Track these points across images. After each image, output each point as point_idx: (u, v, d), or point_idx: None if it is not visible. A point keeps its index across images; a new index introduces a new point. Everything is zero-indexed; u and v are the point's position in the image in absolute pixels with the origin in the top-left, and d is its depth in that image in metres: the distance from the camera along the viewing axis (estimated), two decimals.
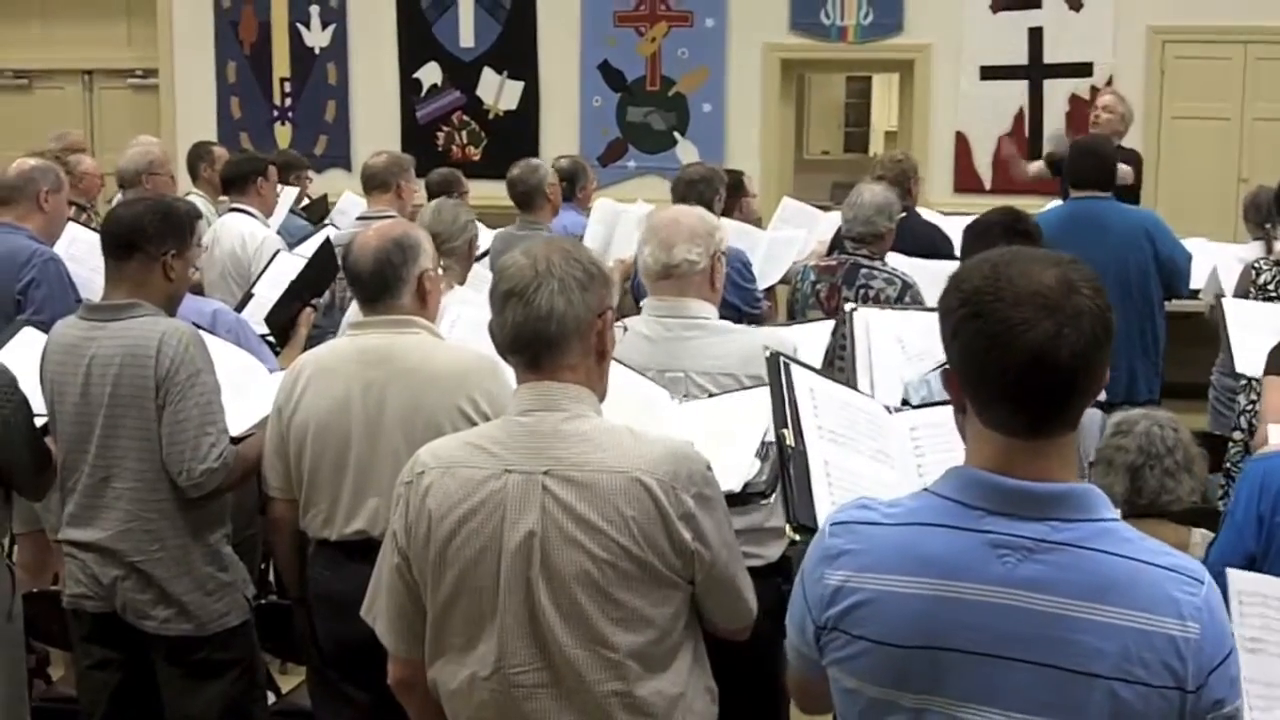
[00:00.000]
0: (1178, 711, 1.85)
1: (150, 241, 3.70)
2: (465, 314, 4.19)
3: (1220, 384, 6.27)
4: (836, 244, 6.05)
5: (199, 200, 6.87)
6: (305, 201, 7.98)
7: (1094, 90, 10.18)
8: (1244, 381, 5.14)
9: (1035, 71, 10.41)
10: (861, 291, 5.44)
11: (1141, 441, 3.52)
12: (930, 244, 6.30)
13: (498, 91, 11.26)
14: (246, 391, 3.98)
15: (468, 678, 2.57)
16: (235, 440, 3.75)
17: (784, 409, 2.73)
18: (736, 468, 2.98)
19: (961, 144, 10.60)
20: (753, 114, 10.89)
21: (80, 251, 5.41)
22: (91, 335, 3.66)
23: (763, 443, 3.05)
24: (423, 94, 11.36)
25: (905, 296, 5.39)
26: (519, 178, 6.68)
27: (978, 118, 10.55)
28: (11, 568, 3.94)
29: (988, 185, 10.50)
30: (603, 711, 2.53)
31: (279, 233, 6.56)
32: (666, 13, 10.93)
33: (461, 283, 4.77)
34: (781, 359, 2.84)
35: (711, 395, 3.43)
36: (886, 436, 2.88)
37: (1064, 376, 1.86)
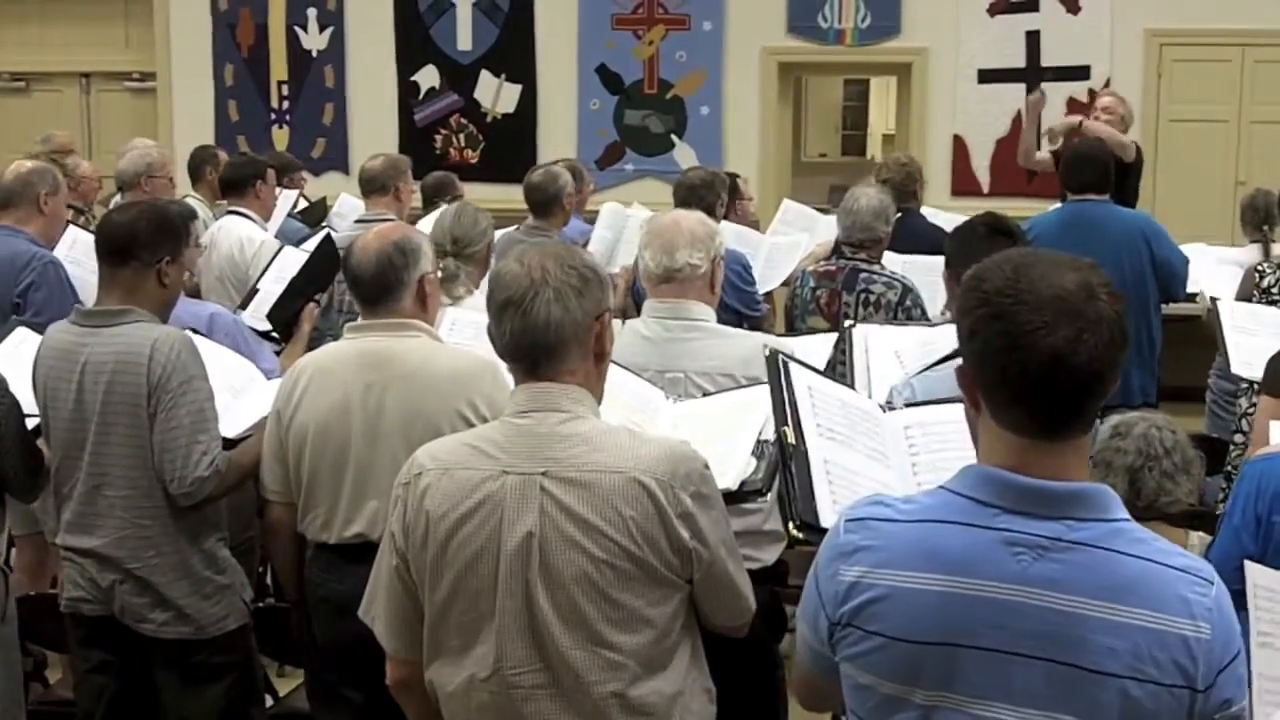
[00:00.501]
0: (1187, 710, 1.87)
1: (145, 248, 3.69)
2: (464, 316, 4.19)
3: (1217, 387, 6.28)
4: (834, 249, 6.05)
5: (197, 204, 6.86)
6: (302, 204, 7.98)
7: (1092, 93, 10.18)
8: (1245, 385, 5.15)
9: (1033, 74, 10.39)
10: (862, 296, 5.44)
11: (1140, 444, 3.52)
12: (934, 245, 6.30)
13: (495, 94, 11.26)
14: (243, 394, 3.98)
15: (466, 679, 2.57)
16: (232, 443, 3.75)
17: (784, 407, 2.73)
18: (732, 465, 2.99)
19: (959, 147, 10.61)
20: (750, 117, 10.89)
21: (80, 254, 5.40)
22: (84, 341, 3.65)
23: (758, 440, 3.06)
24: (420, 97, 11.36)
25: (906, 300, 5.40)
26: (539, 185, 6.58)
27: (975, 121, 10.56)
28: (5, 570, 3.94)
29: (985, 188, 10.51)
30: (601, 712, 2.53)
31: (277, 236, 6.55)
32: (664, 16, 10.93)
33: (479, 287, 4.78)
34: (781, 357, 2.85)
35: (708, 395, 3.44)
36: (882, 435, 2.89)
37: (1081, 380, 1.87)
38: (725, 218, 6.39)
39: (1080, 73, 10.31)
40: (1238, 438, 5.25)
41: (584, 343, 2.59)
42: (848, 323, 4.42)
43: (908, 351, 3.92)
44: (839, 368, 4.15)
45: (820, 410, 2.78)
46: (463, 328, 4.15)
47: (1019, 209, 8.30)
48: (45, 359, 3.73)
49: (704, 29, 10.87)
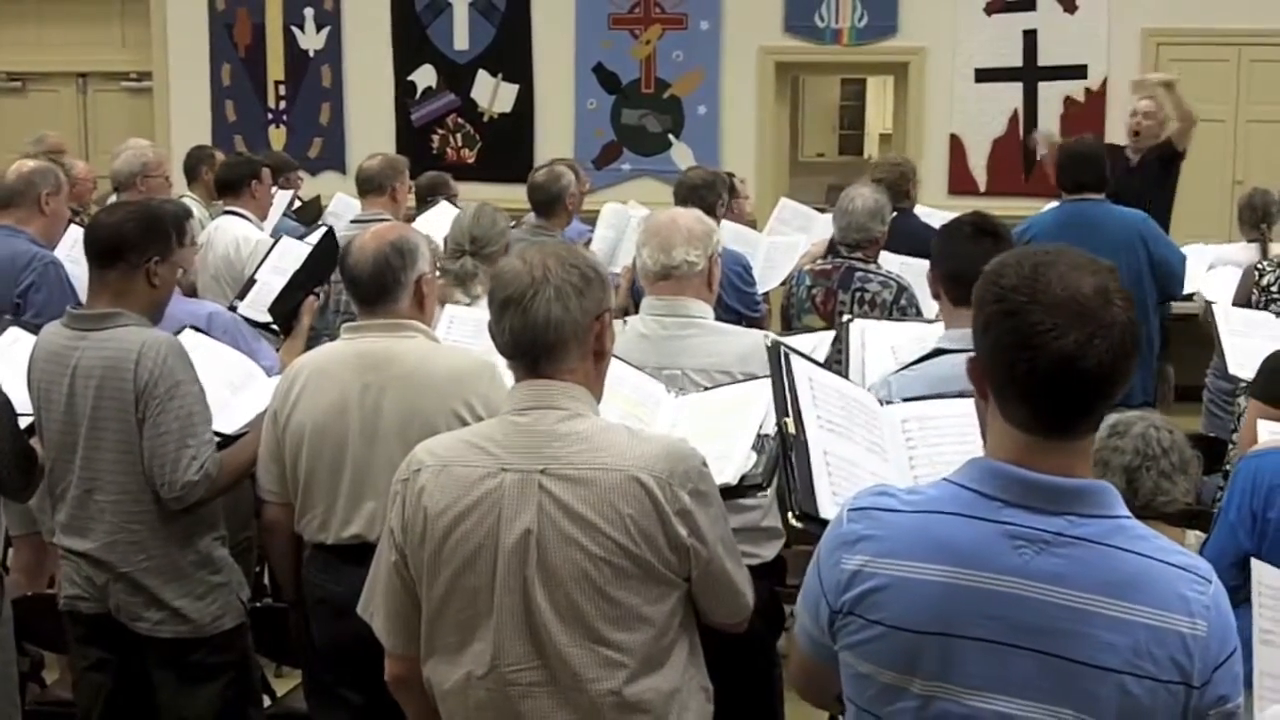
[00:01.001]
0: (1183, 706, 1.88)
1: (133, 250, 3.67)
2: (463, 314, 4.19)
3: (1215, 387, 6.28)
4: (830, 248, 6.05)
5: (193, 204, 6.85)
6: (297, 204, 7.98)
7: (1088, 92, 10.21)
8: (1242, 385, 5.15)
9: (1030, 74, 10.42)
10: (858, 295, 5.45)
11: (1138, 443, 3.52)
12: (928, 245, 6.29)
13: (492, 94, 11.25)
14: (241, 390, 3.97)
15: (463, 676, 2.58)
16: (229, 440, 3.74)
17: (785, 397, 2.75)
18: (732, 460, 2.99)
19: (956, 146, 10.61)
20: (747, 116, 10.89)
21: (81, 254, 5.40)
22: (75, 344, 3.64)
23: (758, 435, 3.06)
24: (417, 96, 11.35)
25: (901, 299, 5.40)
26: (542, 184, 6.56)
27: (972, 120, 10.56)
28: (1, 572, 3.93)
29: (982, 187, 10.52)
30: (598, 710, 2.53)
31: (272, 236, 6.54)
32: (661, 15, 10.92)
33: None
34: (782, 348, 2.86)
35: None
36: (880, 429, 2.91)
37: (1089, 384, 1.88)
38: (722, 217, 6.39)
39: (1077, 72, 10.32)
40: (1235, 437, 5.24)
41: (584, 342, 2.60)
42: (844, 317, 4.43)
43: (903, 347, 3.93)
44: (834, 364, 4.16)
45: (820, 402, 2.79)
46: (461, 325, 4.15)
47: (1016, 208, 8.33)
48: (39, 360, 3.72)
49: (701, 28, 10.87)
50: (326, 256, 5.22)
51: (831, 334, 4.37)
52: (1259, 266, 6.15)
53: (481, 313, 4.20)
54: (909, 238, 6.16)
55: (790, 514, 2.60)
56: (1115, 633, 1.87)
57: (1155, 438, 3.54)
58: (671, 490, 2.51)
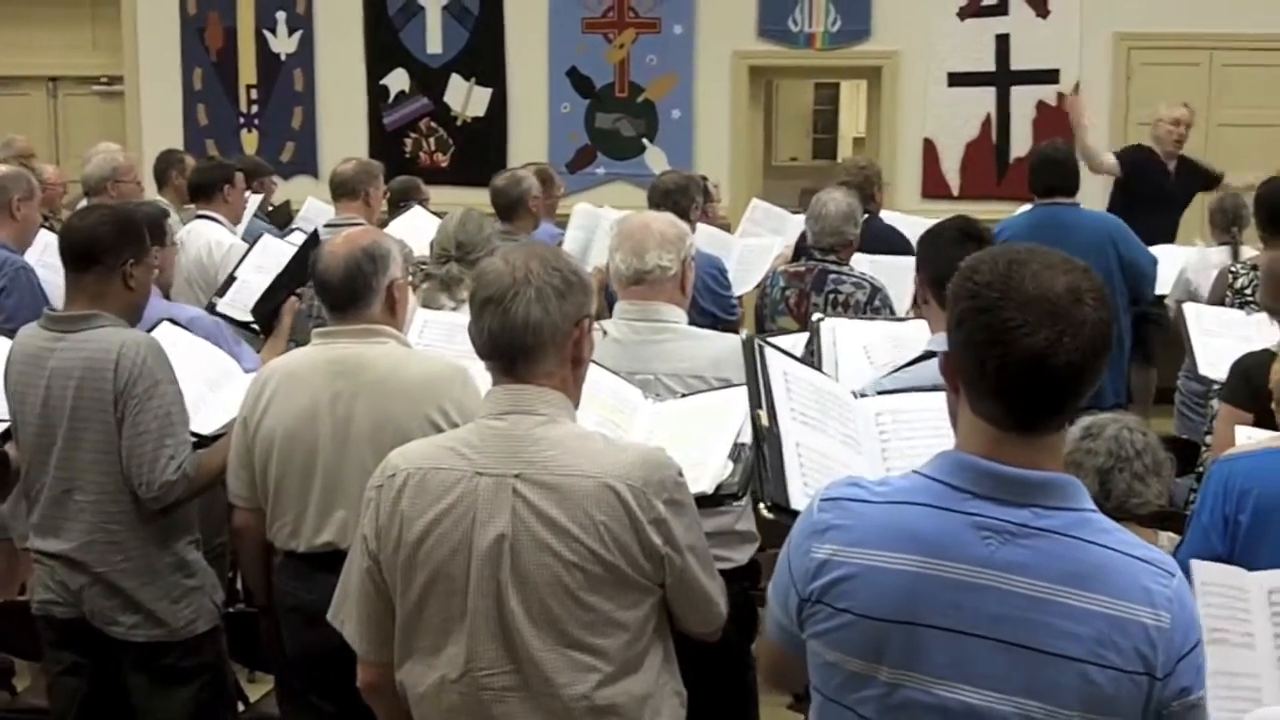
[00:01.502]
0: (1146, 696, 1.91)
1: (108, 252, 3.68)
2: (436, 318, 4.18)
3: (1187, 388, 6.30)
4: (801, 250, 6.06)
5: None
6: (269, 208, 7.96)
7: (1061, 96, 10.23)
8: (1215, 386, 5.17)
9: (1002, 78, 10.45)
10: (831, 296, 5.48)
11: (1111, 445, 3.53)
12: (892, 247, 6.32)
13: (466, 98, 11.23)
14: (219, 387, 3.97)
15: (436, 680, 2.57)
16: (207, 440, 3.72)
17: (759, 391, 2.76)
18: (709, 468, 2.99)
19: (929, 150, 10.63)
20: (721, 121, 10.89)
21: (52, 258, 5.35)
22: (52, 346, 3.64)
23: (735, 444, 3.06)
24: (390, 100, 11.32)
25: (875, 300, 5.43)
26: (502, 189, 6.62)
27: (945, 124, 10.58)
28: None
29: (956, 191, 10.55)
30: (571, 714, 2.53)
31: (245, 239, 6.52)
32: (635, 20, 10.92)
33: None
34: (757, 342, 2.88)
35: (680, 397, 3.44)
36: (855, 421, 2.92)
37: (1058, 382, 1.91)
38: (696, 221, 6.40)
39: (1049, 76, 10.36)
40: (1209, 439, 5.26)
41: (562, 346, 2.59)
42: (816, 315, 4.45)
43: (876, 346, 3.94)
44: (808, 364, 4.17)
45: (795, 395, 2.81)
46: (434, 330, 4.14)
47: (989, 211, 8.33)
48: (14, 363, 3.72)
49: (674, 32, 10.86)
50: (309, 258, 5.20)
51: (805, 336, 4.38)
52: (1232, 269, 6.18)
53: (455, 317, 4.20)
54: (874, 240, 6.18)
55: (762, 505, 2.62)
56: (1077, 622, 1.90)
57: (1128, 440, 3.56)
58: (646, 499, 2.51)
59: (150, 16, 11.52)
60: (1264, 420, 3.88)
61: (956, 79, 10.51)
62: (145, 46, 11.59)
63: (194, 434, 3.74)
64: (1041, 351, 1.88)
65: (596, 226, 7.14)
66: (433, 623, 2.57)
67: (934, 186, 10.58)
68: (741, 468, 3.02)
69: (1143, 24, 10.18)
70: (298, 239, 5.93)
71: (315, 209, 7.92)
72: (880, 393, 3.12)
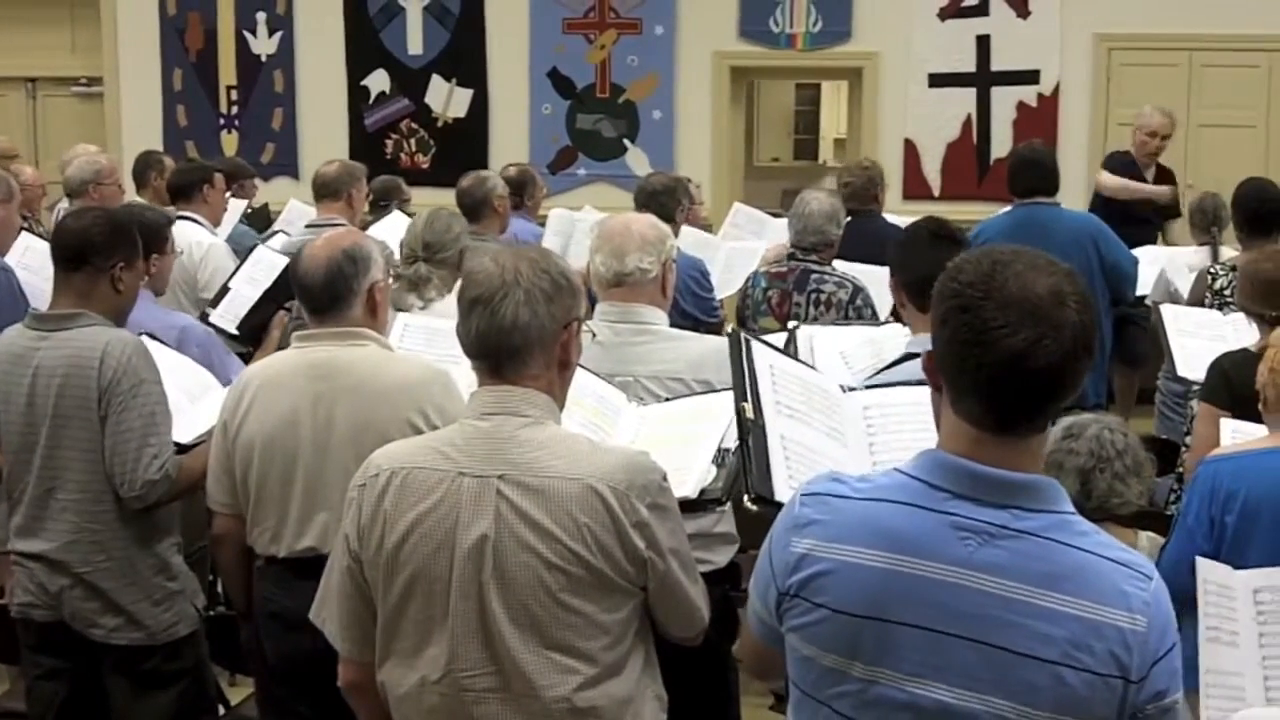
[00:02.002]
0: (1120, 699, 1.91)
1: (98, 253, 3.69)
2: (416, 322, 4.17)
3: (1166, 389, 6.32)
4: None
5: None
6: (248, 210, 7.94)
7: (1041, 97, 10.27)
8: (1194, 386, 5.18)
9: (983, 79, 10.47)
10: (813, 296, 5.50)
11: (1092, 445, 3.54)
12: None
13: (446, 99, 11.21)
14: (199, 399, 3.95)
15: (417, 681, 2.57)
16: (185, 448, 3.72)
17: (744, 384, 2.77)
18: (693, 473, 2.99)
19: (910, 151, 10.64)
20: (702, 121, 10.89)
21: (34, 261, 5.35)
22: (37, 345, 3.64)
23: (719, 449, 3.06)
24: (371, 101, 11.30)
25: (857, 299, 5.44)
26: (466, 189, 6.65)
27: (926, 125, 10.59)
28: None
29: (936, 192, 10.56)
30: (552, 717, 2.53)
31: (227, 242, 6.50)
32: (616, 20, 10.91)
33: (450, 291, 4.76)
34: (743, 336, 2.89)
35: (660, 399, 3.44)
36: (841, 415, 2.93)
37: (1037, 383, 1.91)
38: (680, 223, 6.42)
39: (1030, 77, 10.38)
40: (1189, 439, 5.28)
41: (549, 349, 2.59)
42: (792, 323, 4.46)
43: (852, 352, 3.95)
44: None
45: (780, 388, 2.82)
46: (414, 334, 4.12)
47: (970, 212, 8.36)
48: None
49: (655, 33, 10.86)
50: None
51: (779, 337, 4.39)
52: (1211, 270, 6.19)
53: (435, 320, 4.19)
54: (875, 240, 6.17)
55: (745, 497, 2.62)
56: (1052, 624, 1.90)
57: (1109, 440, 3.56)
58: (630, 502, 2.50)
59: (129, 17, 11.49)
60: (1242, 419, 3.89)
61: (937, 80, 10.53)
62: (124, 47, 11.56)
63: (174, 443, 3.72)
64: (1021, 352, 1.88)
65: (573, 231, 7.17)
66: (414, 623, 2.56)
67: (915, 187, 10.60)
68: (725, 473, 3.02)
69: (1122, 25, 10.21)
70: (277, 242, 5.91)
71: (297, 210, 7.90)
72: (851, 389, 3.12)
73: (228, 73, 11.48)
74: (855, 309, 5.42)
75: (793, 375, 2.92)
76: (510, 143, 10.89)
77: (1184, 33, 10.12)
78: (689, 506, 2.88)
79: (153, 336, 4.11)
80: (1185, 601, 2.59)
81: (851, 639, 1.98)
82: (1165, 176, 8.50)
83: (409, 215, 6.44)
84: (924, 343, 3.41)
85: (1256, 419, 3.69)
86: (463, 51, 11.11)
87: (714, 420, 3.12)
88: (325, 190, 6.54)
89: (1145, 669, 1.91)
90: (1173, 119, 8.44)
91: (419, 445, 2.64)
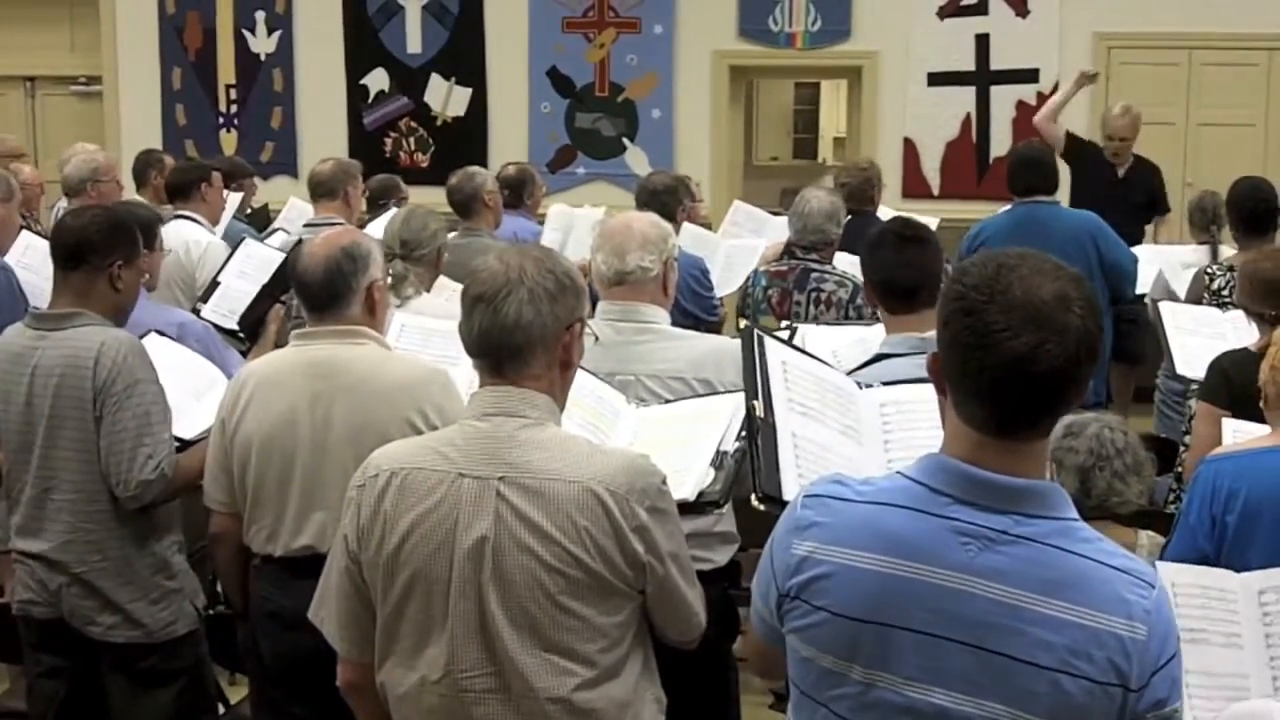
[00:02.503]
0: (1119, 708, 1.90)
1: (96, 252, 3.69)
2: (413, 322, 4.16)
3: (1166, 387, 6.30)
4: (785, 250, 6.07)
5: None
6: (248, 210, 7.93)
7: (1040, 96, 10.26)
8: (1193, 385, 5.18)
9: (982, 78, 10.48)
10: (813, 294, 5.50)
11: (1092, 444, 3.54)
12: None
13: (445, 98, 11.22)
14: (204, 396, 3.96)
15: (417, 681, 2.56)
16: (188, 444, 3.71)
17: (755, 381, 2.76)
18: (691, 476, 2.98)
19: (910, 150, 10.65)
20: (702, 120, 10.90)
21: (34, 260, 5.35)
22: (36, 345, 3.64)
23: (718, 451, 3.05)
24: (370, 100, 11.30)
25: (857, 298, 5.43)
26: (455, 186, 6.67)
27: (925, 124, 10.60)
28: None
29: (936, 191, 10.56)
30: (551, 718, 2.52)
31: (224, 239, 6.50)
32: (615, 19, 10.92)
33: (428, 289, 4.76)
34: (756, 332, 2.88)
35: (661, 399, 3.44)
36: (856, 412, 2.92)
37: (1039, 388, 1.90)
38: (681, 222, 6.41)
39: (1029, 75, 10.39)
40: (1188, 438, 5.28)
41: (551, 348, 2.58)
42: (783, 324, 4.47)
43: (844, 351, 3.96)
44: None
45: (793, 385, 2.81)
46: (411, 333, 4.12)
47: (969, 211, 8.37)
48: None
49: (655, 32, 10.86)
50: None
51: (787, 333, 4.39)
52: (1209, 270, 6.18)
53: (432, 320, 4.19)
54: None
55: (753, 496, 2.62)
56: (1052, 631, 1.89)
57: (1109, 438, 3.56)
58: (629, 505, 2.50)
59: (129, 16, 11.49)
60: (1242, 419, 3.89)
61: (936, 79, 10.54)
62: (124, 46, 11.56)
63: (176, 438, 3.73)
64: (1024, 355, 1.87)
65: (572, 226, 7.16)
66: (414, 624, 2.56)
67: (914, 186, 10.60)
68: (723, 476, 3.01)
69: (1122, 23, 10.21)
70: (277, 240, 5.91)
71: (298, 209, 7.90)
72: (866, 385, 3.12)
73: (227, 72, 11.48)
74: (855, 308, 5.42)
75: (806, 372, 2.91)
76: (509, 142, 10.90)
77: (1183, 31, 10.12)
78: (686, 509, 2.87)
79: (160, 333, 4.12)
80: None
81: (851, 642, 1.97)
82: (1142, 171, 8.39)
83: None
84: (894, 344, 3.45)
85: (1256, 419, 3.68)
86: (462, 50, 11.12)
87: (713, 423, 3.12)
88: (321, 189, 6.54)
89: (1145, 677, 1.90)
90: (1136, 120, 8.33)
91: (419, 445, 2.63)
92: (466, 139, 11.07)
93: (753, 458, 2.68)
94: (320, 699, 2.97)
